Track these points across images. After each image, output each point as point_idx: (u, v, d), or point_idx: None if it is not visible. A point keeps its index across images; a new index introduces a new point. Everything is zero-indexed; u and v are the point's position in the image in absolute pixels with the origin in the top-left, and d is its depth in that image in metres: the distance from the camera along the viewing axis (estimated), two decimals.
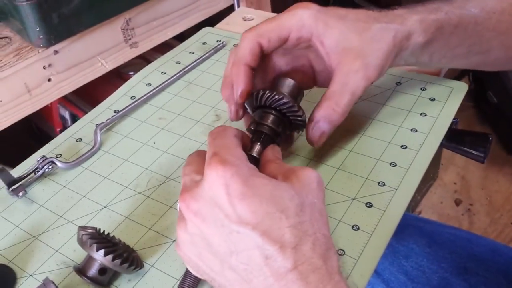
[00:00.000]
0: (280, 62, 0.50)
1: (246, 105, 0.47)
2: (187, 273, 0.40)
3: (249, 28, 0.48)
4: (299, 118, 0.45)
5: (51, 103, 1.15)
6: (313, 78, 0.52)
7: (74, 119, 1.15)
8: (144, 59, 1.10)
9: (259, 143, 0.43)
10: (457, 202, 1.48)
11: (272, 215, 0.33)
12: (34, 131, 1.35)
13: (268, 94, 0.44)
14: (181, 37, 0.94)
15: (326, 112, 0.46)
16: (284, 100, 0.44)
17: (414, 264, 0.72)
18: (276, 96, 0.44)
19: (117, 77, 1.10)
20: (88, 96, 1.10)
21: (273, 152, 0.42)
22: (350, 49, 0.46)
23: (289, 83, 0.46)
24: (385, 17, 0.48)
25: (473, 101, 1.72)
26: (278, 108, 0.44)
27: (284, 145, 0.51)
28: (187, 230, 0.35)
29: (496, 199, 1.47)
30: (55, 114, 1.19)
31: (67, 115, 1.18)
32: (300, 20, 0.47)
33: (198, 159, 0.38)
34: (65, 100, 1.15)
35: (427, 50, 0.50)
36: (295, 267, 0.32)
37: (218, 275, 0.35)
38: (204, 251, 0.35)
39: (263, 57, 0.48)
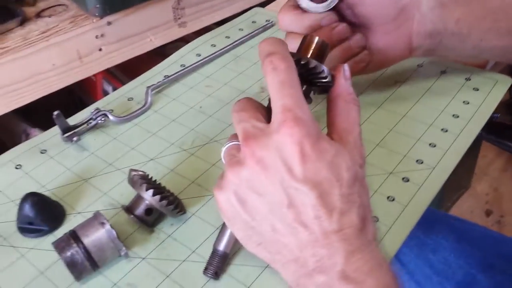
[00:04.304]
0: None
1: None
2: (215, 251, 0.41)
3: None
4: (324, 80, 0.41)
5: (95, 77, 1.19)
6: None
7: None
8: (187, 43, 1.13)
9: None
10: (488, 213, 1.46)
11: (330, 181, 0.34)
12: (76, 104, 1.39)
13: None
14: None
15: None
16: (310, 66, 0.39)
17: (441, 258, 0.72)
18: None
19: (161, 58, 1.13)
20: (131, 73, 1.13)
21: (346, 82, 0.40)
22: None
23: (317, 40, 0.41)
24: None
25: None
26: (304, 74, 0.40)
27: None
28: (240, 175, 0.35)
29: None
30: (99, 88, 1.23)
31: (110, 90, 1.21)
32: None
33: (252, 106, 0.38)
34: (110, 75, 1.18)
35: (447, 11, 0.50)
36: (341, 229, 0.34)
37: (259, 223, 0.36)
38: (251, 197, 0.35)
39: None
